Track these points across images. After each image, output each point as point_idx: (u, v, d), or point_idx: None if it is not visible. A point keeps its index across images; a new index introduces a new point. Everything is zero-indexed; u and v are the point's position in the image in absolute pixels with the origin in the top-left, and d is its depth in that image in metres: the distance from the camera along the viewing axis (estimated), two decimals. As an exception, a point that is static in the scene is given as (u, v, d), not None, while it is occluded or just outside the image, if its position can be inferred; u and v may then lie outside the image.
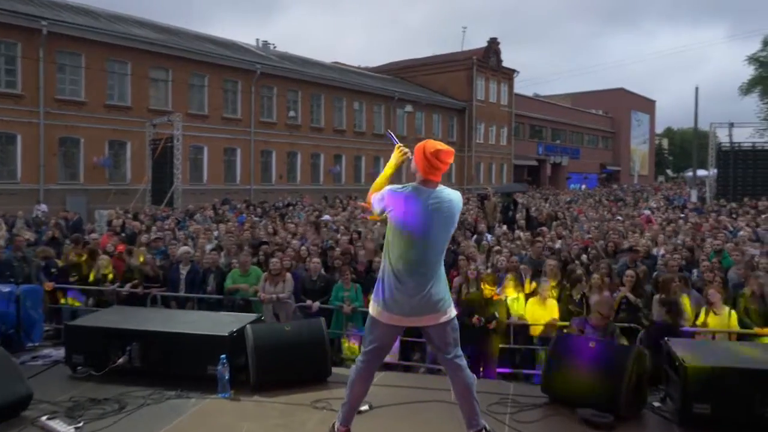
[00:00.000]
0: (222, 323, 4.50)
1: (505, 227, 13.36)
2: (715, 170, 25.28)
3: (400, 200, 3.24)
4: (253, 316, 4.92)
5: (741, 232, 11.85)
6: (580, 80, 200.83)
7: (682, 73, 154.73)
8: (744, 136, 26.37)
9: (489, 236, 11.92)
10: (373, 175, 34.78)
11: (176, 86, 24.88)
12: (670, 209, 19.94)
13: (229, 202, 21.84)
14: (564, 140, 48.55)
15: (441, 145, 3.31)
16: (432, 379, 4.98)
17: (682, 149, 68.89)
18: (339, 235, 12.34)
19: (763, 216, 15.96)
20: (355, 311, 7.94)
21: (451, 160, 3.30)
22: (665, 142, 71.52)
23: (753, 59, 30.67)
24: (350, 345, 7.88)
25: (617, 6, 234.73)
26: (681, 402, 3.60)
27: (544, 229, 12.56)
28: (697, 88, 28.41)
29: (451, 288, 7.64)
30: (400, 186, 3.34)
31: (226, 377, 4.13)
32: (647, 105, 60.02)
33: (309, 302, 8.06)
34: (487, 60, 40.38)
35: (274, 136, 28.96)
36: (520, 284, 7.79)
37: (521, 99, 44.34)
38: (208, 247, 10.40)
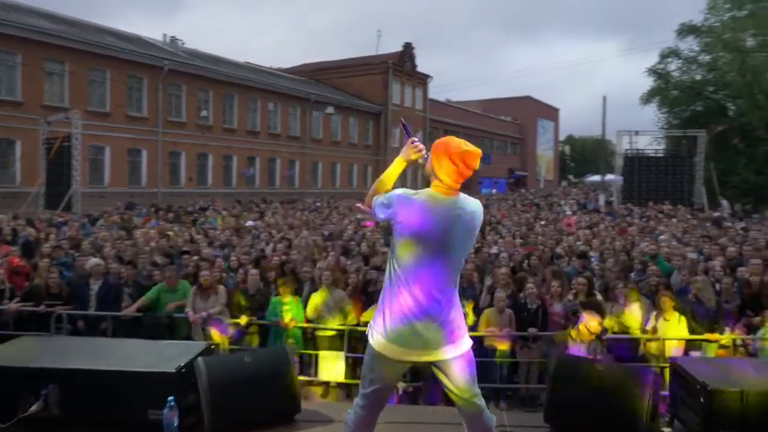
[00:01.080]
0: (165, 356, 3.66)
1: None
2: (620, 176, 26.56)
3: (414, 209, 2.67)
4: (202, 344, 4.09)
5: (662, 236, 12.22)
6: (488, 88, 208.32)
7: (581, 84, 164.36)
8: (644, 143, 27.81)
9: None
10: (289, 178, 33.92)
11: (74, 81, 22.75)
12: (585, 213, 20.61)
13: (134, 207, 20.19)
14: (476, 145, 49.56)
15: (468, 145, 2.76)
16: (436, 413, 4.35)
17: (583, 156, 72.85)
18: (264, 243, 11.52)
19: (673, 219, 16.78)
20: (296, 326, 7.26)
21: (478, 165, 2.77)
22: (567, 149, 75.27)
23: (652, 71, 32.56)
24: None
25: (521, 18, 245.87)
26: (704, 428, 3.26)
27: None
28: (605, 98, 30.01)
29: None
30: (413, 191, 2.76)
31: (175, 424, 3.35)
32: (552, 113, 62.83)
33: (243, 318, 7.28)
34: (403, 64, 40.46)
35: (184, 137, 27.29)
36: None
37: (435, 104, 44.89)
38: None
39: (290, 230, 13.33)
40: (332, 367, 7.10)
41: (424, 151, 2.86)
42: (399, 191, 2.75)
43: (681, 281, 7.88)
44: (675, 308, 6.87)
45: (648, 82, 33.14)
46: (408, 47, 41.55)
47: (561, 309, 7.42)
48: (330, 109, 33.17)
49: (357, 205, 3.18)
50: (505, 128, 54.31)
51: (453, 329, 2.77)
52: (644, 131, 28.10)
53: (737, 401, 3.18)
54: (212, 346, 3.96)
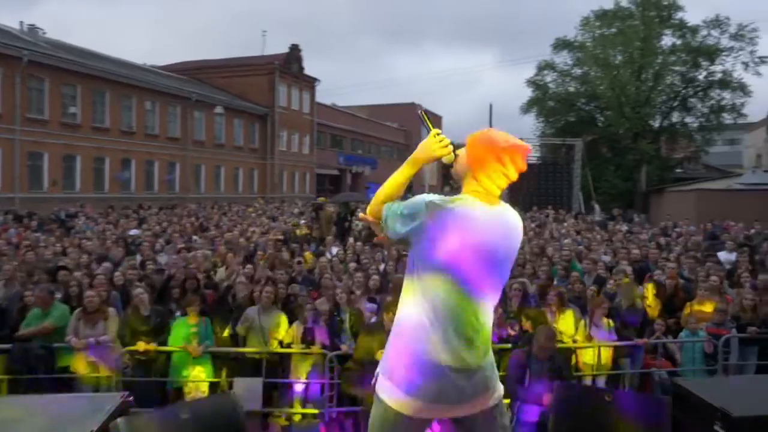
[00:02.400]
0: (69, 416, 2.71)
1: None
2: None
3: (453, 223, 2.06)
4: (115, 396, 3.11)
5: (566, 240, 12.50)
6: (373, 93, 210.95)
7: (461, 92, 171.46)
8: None
9: (334, 250, 10.84)
10: (169, 182, 31.55)
11: None
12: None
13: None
14: (364, 151, 49.65)
15: (514, 138, 2.20)
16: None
17: (463, 162, 75.79)
18: (154, 253, 10.24)
19: (565, 223, 17.45)
20: (206, 351, 6.31)
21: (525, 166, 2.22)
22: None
23: (531, 82, 34.24)
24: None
25: (404, 27, 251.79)
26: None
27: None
28: (491, 105, 30.89)
29: (315, 319, 6.40)
30: (446, 198, 2.13)
31: None
32: (436, 120, 64.53)
33: (141, 344, 6.20)
34: (289, 66, 39.37)
35: (47, 136, 24.34)
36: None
37: (323, 108, 44.18)
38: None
39: (180, 238, 12.06)
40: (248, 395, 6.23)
41: (451, 147, 2.26)
42: (428, 197, 2.12)
43: (609, 287, 7.88)
44: (607, 315, 6.81)
45: (523, 93, 34.98)
46: (295, 49, 40.53)
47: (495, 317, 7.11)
48: (219, 109, 31.35)
49: (360, 215, 2.49)
50: (391, 134, 54.83)
51: (490, 375, 2.22)
52: (529, 139, 29.38)
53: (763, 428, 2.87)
54: (129, 399, 3.01)
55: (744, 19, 46.21)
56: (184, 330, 6.36)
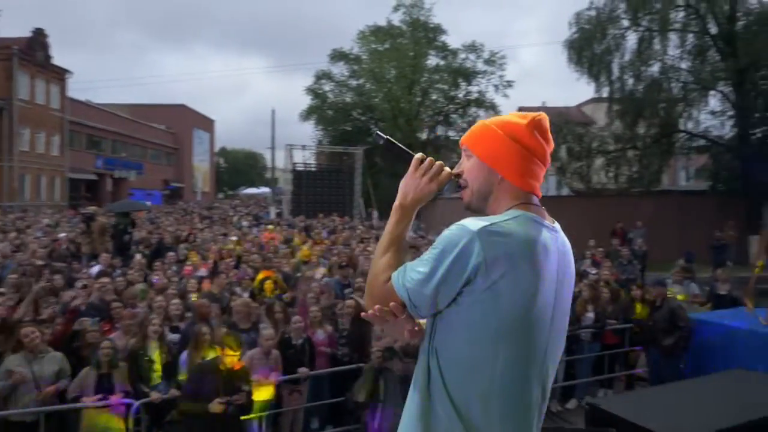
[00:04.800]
0: None
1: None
2: (277, 188, 27.13)
3: (520, 260, 1.40)
4: None
5: (370, 248, 12.40)
6: (136, 92, 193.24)
7: (232, 96, 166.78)
8: (301, 158, 28.72)
9: (96, 268, 9.09)
10: None
11: None
12: (257, 226, 20.01)
13: None
14: (128, 154, 44.86)
15: (522, 114, 1.59)
16: None
17: (236, 168, 73.31)
18: None
19: (358, 230, 17.53)
20: None
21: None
22: (222, 161, 74.64)
23: (310, 90, 34.38)
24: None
25: (171, 24, 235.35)
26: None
27: (172, 254, 10.49)
28: (273, 111, 30.05)
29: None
30: (497, 220, 1.45)
31: None
32: (207, 123, 61.31)
33: None
34: (33, 53, 33.68)
35: None
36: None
37: (77, 105, 38.73)
38: None
39: None
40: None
41: (446, 167, 1.62)
42: (472, 223, 1.41)
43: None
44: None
45: (301, 99, 35.14)
46: (40, 34, 34.86)
47: (325, 337, 6.49)
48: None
49: (362, 315, 1.62)
50: (159, 136, 50.55)
51: None
52: (310, 146, 29.41)
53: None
54: None
55: (495, 47, 52.97)
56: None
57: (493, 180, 1.55)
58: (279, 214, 26.95)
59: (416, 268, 1.44)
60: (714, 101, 20.50)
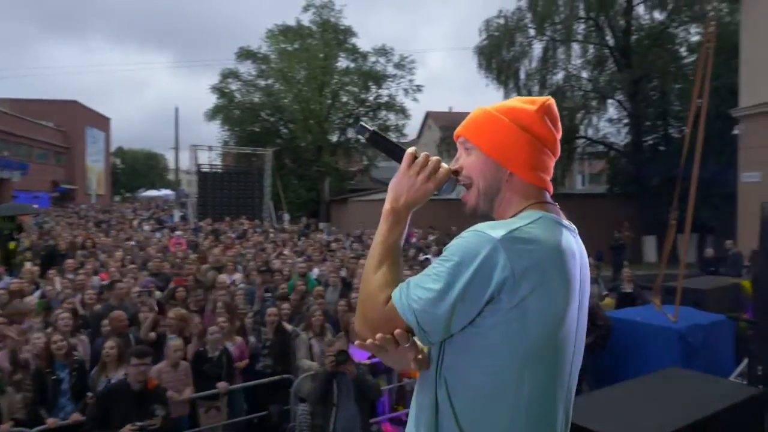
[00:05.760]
0: None
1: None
2: (180, 190, 25.85)
3: (550, 269, 1.18)
4: None
5: (285, 251, 11.92)
6: (18, 85, 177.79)
7: (131, 93, 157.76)
8: (207, 159, 27.33)
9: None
10: None
11: None
12: (163, 230, 18.89)
13: None
14: (10, 152, 41.05)
15: (526, 99, 1.38)
16: None
17: (134, 170, 69.26)
18: None
19: (271, 234, 16.92)
20: None
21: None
22: (118, 162, 70.27)
23: (215, 89, 33.06)
24: None
25: (61, 14, 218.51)
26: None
27: (70, 261, 9.52)
28: (177, 109, 28.56)
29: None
30: (518, 225, 1.20)
31: None
32: (102, 122, 57.38)
33: None
34: None
35: None
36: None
37: (-52, 96, 35.05)
38: None
39: None
40: None
41: (443, 163, 1.36)
42: (491, 229, 1.17)
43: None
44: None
45: (205, 98, 33.75)
46: None
47: (236, 349, 6.03)
48: None
49: (357, 344, 1.28)
50: (47, 135, 46.65)
51: None
52: (216, 147, 28.19)
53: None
54: None
55: (404, 50, 53.60)
56: None
57: (501, 176, 1.32)
58: (183, 218, 25.68)
59: (424, 285, 1.18)
60: (612, 109, 21.77)
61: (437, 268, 1.18)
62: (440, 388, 1.21)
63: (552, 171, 1.37)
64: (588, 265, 1.37)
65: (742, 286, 8.62)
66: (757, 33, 13.79)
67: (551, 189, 1.36)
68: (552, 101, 1.36)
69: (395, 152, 1.35)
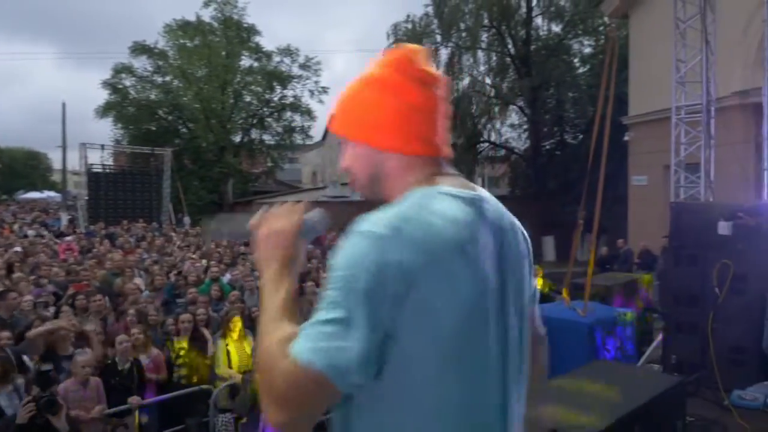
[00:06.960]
0: None
1: None
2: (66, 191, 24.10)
3: (448, 262, 1.00)
4: None
5: (192, 255, 11.32)
6: None
7: (7, 88, 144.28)
8: (98, 158, 25.37)
9: None
10: None
11: None
12: (49, 235, 17.40)
13: None
14: None
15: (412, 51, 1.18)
16: None
17: (14, 170, 63.51)
18: None
19: (174, 236, 16.05)
20: None
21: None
22: (-7, 161, 64.07)
23: (107, 84, 31.02)
24: None
25: None
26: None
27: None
28: (64, 104, 26.50)
29: None
30: (395, 209, 1.05)
31: None
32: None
33: None
34: None
35: None
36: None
37: None
38: None
39: None
40: None
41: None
42: (378, 224, 1.01)
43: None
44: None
45: (94, 94, 31.66)
46: None
47: (151, 362, 5.60)
48: None
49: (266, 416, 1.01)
50: None
51: None
52: (108, 146, 26.40)
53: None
54: None
55: (310, 52, 53.04)
56: None
57: (376, 159, 1.16)
58: (72, 221, 23.82)
59: (321, 319, 0.97)
60: (514, 115, 22.74)
61: (329, 290, 0.99)
62: (348, 404, 1.04)
63: (441, 131, 1.17)
64: (517, 232, 1.22)
65: (641, 281, 9.20)
66: (642, 47, 14.91)
67: (445, 152, 1.18)
68: (410, 50, 1.16)
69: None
